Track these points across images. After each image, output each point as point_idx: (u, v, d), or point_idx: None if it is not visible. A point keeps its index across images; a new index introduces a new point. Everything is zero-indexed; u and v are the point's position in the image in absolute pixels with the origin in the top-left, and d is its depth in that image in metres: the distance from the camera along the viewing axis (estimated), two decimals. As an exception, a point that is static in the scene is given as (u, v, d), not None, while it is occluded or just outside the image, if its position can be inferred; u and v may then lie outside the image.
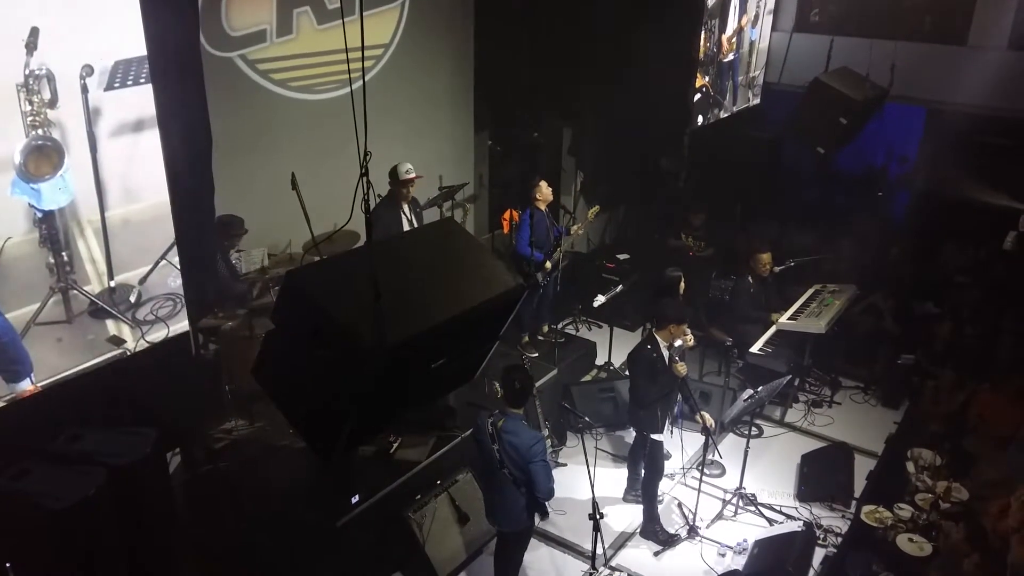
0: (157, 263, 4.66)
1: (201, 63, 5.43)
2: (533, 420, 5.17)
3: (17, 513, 4.11)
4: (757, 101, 10.24)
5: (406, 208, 6.53)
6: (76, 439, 4.56)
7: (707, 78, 9.00)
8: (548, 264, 7.40)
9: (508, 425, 4.81)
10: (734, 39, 9.25)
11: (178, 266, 4.77)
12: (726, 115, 9.74)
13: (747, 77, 9.77)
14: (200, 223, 5.62)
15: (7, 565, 4.06)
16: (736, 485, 6.59)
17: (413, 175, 6.44)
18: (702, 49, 8.72)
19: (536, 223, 7.29)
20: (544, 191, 7.41)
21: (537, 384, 5.87)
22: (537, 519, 5.26)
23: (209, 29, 6.11)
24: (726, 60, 9.28)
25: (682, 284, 7.24)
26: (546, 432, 6.66)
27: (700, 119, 9.08)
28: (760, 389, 6.28)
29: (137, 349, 4.61)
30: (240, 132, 6.47)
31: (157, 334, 4.72)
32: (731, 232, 10.19)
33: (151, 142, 4.45)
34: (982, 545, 5.38)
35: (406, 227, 6.50)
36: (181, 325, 4.85)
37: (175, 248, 4.72)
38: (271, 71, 6.78)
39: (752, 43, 9.58)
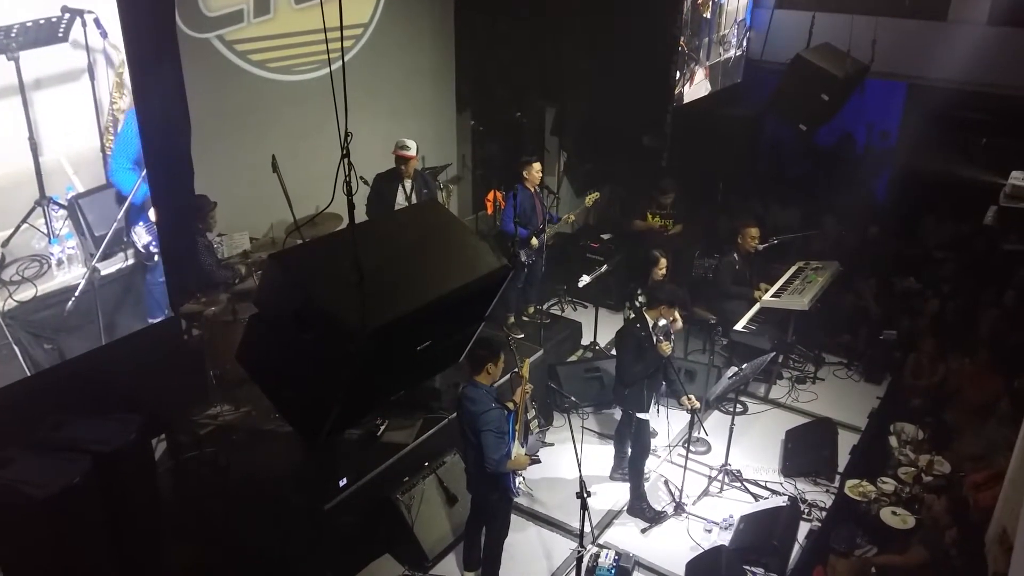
0: (18, 227, 4.76)
1: (178, 45, 5.35)
2: (508, 399, 5.20)
3: (1, 501, 4.08)
4: (729, 55, 10.27)
5: (407, 183, 6.54)
6: (60, 426, 4.53)
7: (683, 38, 9.04)
8: (534, 241, 7.38)
9: (469, 392, 4.98)
10: (709, 1, 9.32)
11: (42, 229, 4.87)
12: (704, 87, 9.76)
13: (718, 35, 9.88)
14: (180, 207, 5.57)
15: (-8, 554, 4.04)
16: (722, 462, 6.65)
17: (405, 152, 6.48)
18: (681, 15, 8.78)
19: (522, 202, 7.27)
20: (534, 172, 7.39)
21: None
22: (517, 496, 5.33)
23: (185, 10, 6.03)
24: (705, 16, 9.35)
25: (663, 267, 7.24)
26: (533, 413, 6.68)
27: (677, 75, 9.12)
28: (744, 366, 6.31)
29: (6, 308, 4.73)
30: (219, 115, 6.41)
31: (25, 293, 4.83)
32: (713, 210, 10.21)
33: (2, 116, 4.59)
34: (962, 518, 5.46)
35: (401, 200, 6.52)
36: (50, 284, 4.96)
37: (37, 211, 4.84)
38: (249, 52, 6.71)
39: (721, 6, 9.69)
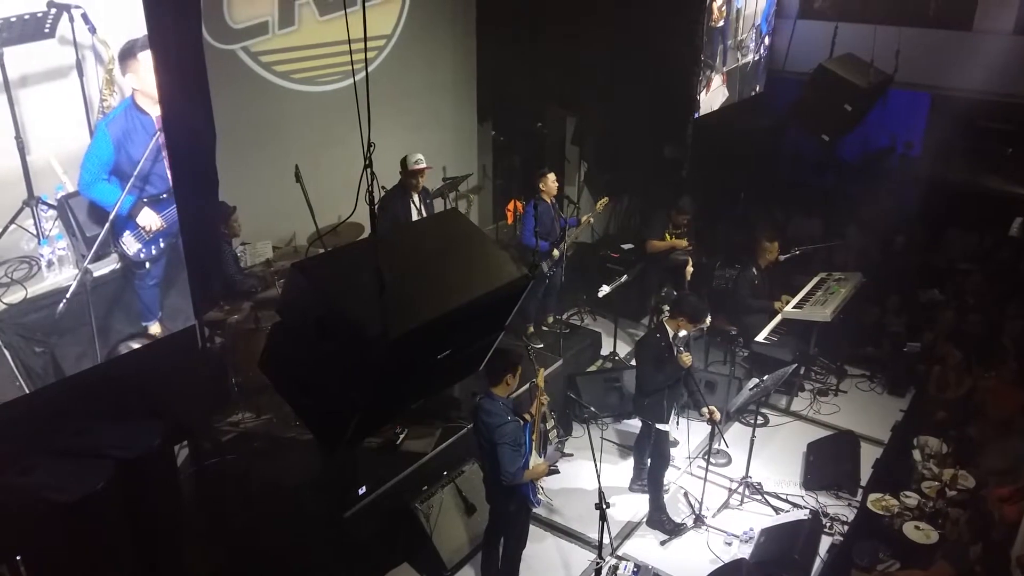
0: (6, 227, 4.63)
1: (204, 56, 5.42)
2: (526, 410, 5.19)
3: (27, 507, 4.13)
4: (747, 60, 10.23)
5: (416, 198, 6.54)
6: (84, 433, 4.58)
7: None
8: (556, 252, 7.38)
9: (485, 404, 4.95)
10: (724, 7, 9.28)
11: (31, 229, 4.73)
12: (721, 93, 9.73)
13: (735, 40, 9.84)
14: (205, 216, 5.64)
15: (18, 558, 4.09)
16: (742, 474, 6.60)
17: (422, 166, 6.45)
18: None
19: (541, 214, 7.26)
20: (550, 183, 7.37)
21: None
22: (538, 506, 5.32)
23: (211, 21, 6.11)
24: (717, 26, 9.31)
25: (689, 268, 7.24)
26: (552, 423, 6.67)
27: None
28: (766, 378, 6.27)
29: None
30: (243, 125, 6.48)
31: (15, 296, 4.68)
32: (733, 221, 10.16)
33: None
34: (987, 533, 5.38)
35: (415, 217, 6.51)
36: (40, 286, 4.82)
37: (26, 211, 4.69)
38: (274, 63, 6.78)
39: (738, 10, 9.63)
